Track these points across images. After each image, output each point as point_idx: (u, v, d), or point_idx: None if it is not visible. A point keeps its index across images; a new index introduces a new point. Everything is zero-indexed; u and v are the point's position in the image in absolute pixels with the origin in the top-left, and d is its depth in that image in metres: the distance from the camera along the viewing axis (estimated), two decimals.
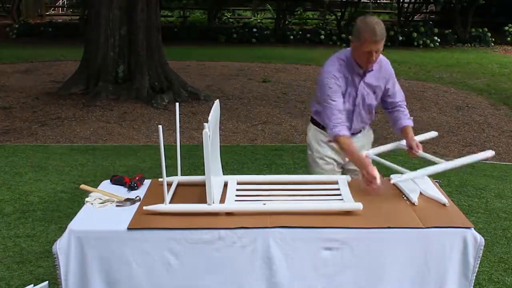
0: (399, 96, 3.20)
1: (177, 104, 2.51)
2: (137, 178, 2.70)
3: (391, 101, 3.18)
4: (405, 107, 3.20)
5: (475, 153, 6.68)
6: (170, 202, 2.42)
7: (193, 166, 5.19)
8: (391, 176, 2.76)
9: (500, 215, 4.28)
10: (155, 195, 2.57)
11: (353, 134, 3.08)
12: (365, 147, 3.22)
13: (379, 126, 7.42)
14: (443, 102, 9.00)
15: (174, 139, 7.52)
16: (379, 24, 2.73)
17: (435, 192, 2.61)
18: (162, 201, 2.43)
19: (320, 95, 2.88)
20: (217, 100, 2.61)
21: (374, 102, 3.12)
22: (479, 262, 2.28)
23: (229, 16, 19.76)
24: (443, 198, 2.52)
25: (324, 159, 3.15)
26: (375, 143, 3.42)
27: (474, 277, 2.31)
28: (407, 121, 3.14)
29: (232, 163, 5.31)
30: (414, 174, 2.65)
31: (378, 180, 2.54)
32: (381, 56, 2.99)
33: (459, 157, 5.93)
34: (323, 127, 3.09)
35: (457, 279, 2.31)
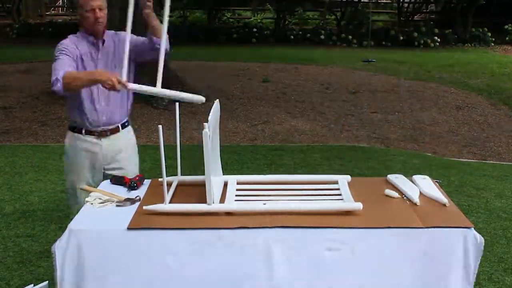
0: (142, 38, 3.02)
1: (177, 104, 2.50)
2: (137, 178, 2.70)
3: (146, 45, 2.99)
4: None
5: (475, 153, 6.71)
6: (170, 202, 2.42)
7: (193, 166, 5.18)
8: (388, 176, 2.77)
9: (500, 215, 4.29)
10: (155, 195, 2.56)
11: (109, 132, 2.98)
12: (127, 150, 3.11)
13: (379, 126, 7.42)
14: (443, 102, 9.01)
15: (174, 139, 7.51)
16: None
17: (435, 192, 2.61)
18: (162, 201, 2.43)
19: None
20: (217, 100, 2.61)
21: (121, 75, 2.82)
22: (479, 262, 2.28)
23: (229, 16, 19.76)
24: (443, 198, 2.52)
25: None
26: None
27: (475, 277, 2.31)
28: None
29: (232, 163, 5.31)
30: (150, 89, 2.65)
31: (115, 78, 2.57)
32: (112, 32, 2.97)
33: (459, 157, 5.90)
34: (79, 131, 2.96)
35: (457, 279, 2.30)
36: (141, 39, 2.99)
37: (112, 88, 2.59)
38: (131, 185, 2.63)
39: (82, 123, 2.93)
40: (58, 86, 2.65)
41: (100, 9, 2.84)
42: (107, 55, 2.90)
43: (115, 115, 3.02)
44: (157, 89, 2.63)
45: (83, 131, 2.95)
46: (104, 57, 2.90)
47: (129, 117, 3.13)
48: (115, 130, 3.05)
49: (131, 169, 3.12)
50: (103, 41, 2.92)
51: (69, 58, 2.77)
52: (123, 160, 3.07)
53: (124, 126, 3.10)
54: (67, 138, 3.03)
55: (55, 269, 2.20)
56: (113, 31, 3.00)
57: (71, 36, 2.93)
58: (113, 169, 3.03)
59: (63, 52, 2.79)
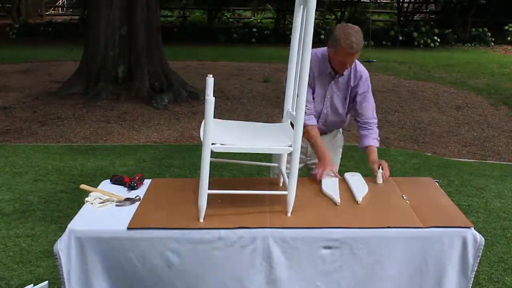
0: (369, 113, 3.13)
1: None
2: (137, 177, 2.70)
3: (360, 117, 3.11)
4: (375, 127, 3.14)
5: (475, 153, 6.71)
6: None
7: (193, 166, 5.19)
8: (345, 174, 2.85)
9: (500, 215, 4.29)
10: (155, 194, 2.57)
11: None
12: (329, 151, 3.12)
13: (379, 126, 7.42)
14: (443, 102, 9.01)
15: (174, 139, 7.55)
16: (358, 36, 2.72)
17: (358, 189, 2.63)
18: (162, 200, 2.43)
19: None
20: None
21: (341, 108, 3.07)
22: (478, 261, 2.28)
23: (229, 16, 19.77)
24: (359, 198, 2.53)
25: None
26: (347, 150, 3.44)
27: (473, 276, 2.31)
28: (372, 140, 3.08)
29: (232, 163, 5.30)
30: None
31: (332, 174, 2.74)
32: (361, 68, 2.99)
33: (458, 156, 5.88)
34: None
35: (456, 278, 2.31)
36: (364, 108, 3.14)
37: (320, 175, 2.76)
38: (131, 184, 2.63)
39: None
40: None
41: (350, 64, 2.85)
42: (338, 86, 2.99)
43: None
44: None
45: None
46: (336, 87, 2.99)
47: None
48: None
49: None
50: (340, 77, 2.97)
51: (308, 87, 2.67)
52: None
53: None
54: None
55: (59, 269, 2.20)
56: (354, 65, 2.99)
57: (320, 54, 2.91)
58: (314, 164, 3.14)
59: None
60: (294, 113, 2.36)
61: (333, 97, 3.01)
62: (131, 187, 2.63)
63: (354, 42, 2.69)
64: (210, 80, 2.17)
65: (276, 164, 2.88)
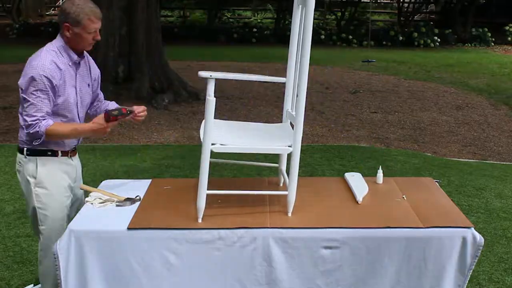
0: (101, 95, 2.92)
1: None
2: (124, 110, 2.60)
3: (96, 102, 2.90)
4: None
5: (475, 153, 6.71)
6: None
7: (193, 166, 5.19)
8: (345, 174, 2.83)
9: (500, 215, 4.28)
10: (155, 195, 2.57)
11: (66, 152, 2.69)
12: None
13: (379, 126, 7.43)
14: (443, 102, 9.01)
15: (174, 139, 7.55)
16: (91, 2, 2.53)
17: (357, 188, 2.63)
18: (162, 201, 2.43)
19: (26, 87, 2.44)
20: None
21: (88, 98, 2.76)
22: (476, 260, 2.28)
23: (229, 16, 19.77)
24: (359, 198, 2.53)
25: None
26: None
27: (470, 273, 2.30)
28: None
29: (232, 163, 5.31)
30: None
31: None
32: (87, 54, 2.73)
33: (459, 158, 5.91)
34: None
35: (452, 274, 2.31)
36: (99, 93, 2.92)
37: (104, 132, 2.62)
38: (127, 113, 2.60)
39: (58, 146, 2.66)
40: (39, 133, 2.44)
41: (99, 30, 2.59)
42: (82, 72, 2.67)
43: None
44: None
45: (59, 153, 2.66)
46: (80, 73, 2.66)
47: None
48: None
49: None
50: (82, 58, 2.67)
51: (48, 100, 2.46)
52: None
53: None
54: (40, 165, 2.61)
55: (57, 269, 2.20)
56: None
57: (51, 55, 2.49)
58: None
59: (44, 91, 2.43)
60: (293, 113, 2.36)
61: (82, 89, 2.68)
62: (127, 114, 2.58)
63: (94, 7, 2.51)
64: (211, 81, 2.18)
65: (276, 165, 2.88)
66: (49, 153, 2.61)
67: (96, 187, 2.68)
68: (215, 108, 2.21)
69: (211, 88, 2.20)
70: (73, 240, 2.21)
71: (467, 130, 7.39)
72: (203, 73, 2.22)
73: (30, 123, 2.43)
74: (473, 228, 2.28)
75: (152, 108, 7.91)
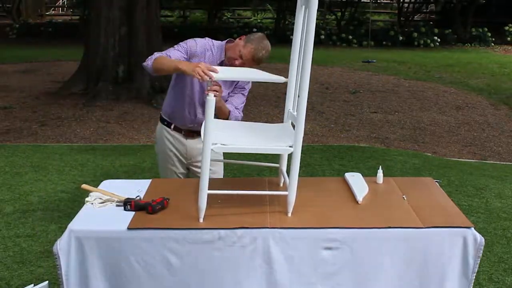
0: (235, 103, 3.10)
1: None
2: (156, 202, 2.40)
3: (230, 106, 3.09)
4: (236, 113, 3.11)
5: (475, 153, 6.71)
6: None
7: None
8: (345, 174, 2.83)
9: (500, 215, 4.28)
10: (155, 195, 2.56)
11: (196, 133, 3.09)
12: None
13: (379, 126, 7.43)
14: (443, 102, 9.01)
15: None
16: (267, 53, 2.95)
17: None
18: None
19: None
20: None
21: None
22: (479, 261, 2.28)
23: (229, 16, 19.77)
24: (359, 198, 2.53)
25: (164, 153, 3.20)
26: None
27: (474, 277, 2.31)
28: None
29: (232, 163, 5.31)
30: None
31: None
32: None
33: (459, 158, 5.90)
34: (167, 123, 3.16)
35: (456, 278, 2.31)
36: (234, 106, 3.12)
37: (201, 78, 2.54)
38: (154, 210, 2.37)
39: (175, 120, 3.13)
40: (148, 64, 2.84)
41: (244, 64, 2.91)
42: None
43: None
44: (240, 73, 2.71)
45: (172, 126, 3.14)
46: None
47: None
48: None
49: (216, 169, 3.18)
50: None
51: (181, 54, 2.92)
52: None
53: None
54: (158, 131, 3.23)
55: (58, 269, 2.20)
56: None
57: (209, 42, 3.10)
58: (197, 166, 3.14)
59: (182, 48, 2.97)
60: (295, 113, 2.36)
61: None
62: (154, 211, 2.36)
63: (262, 56, 2.93)
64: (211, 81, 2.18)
65: (276, 165, 2.88)
66: (165, 123, 3.16)
67: (96, 187, 2.68)
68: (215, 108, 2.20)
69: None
70: (73, 240, 2.21)
71: (467, 130, 7.39)
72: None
73: (150, 56, 2.88)
74: (473, 228, 2.28)
75: (152, 108, 7.91)
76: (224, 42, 3.06)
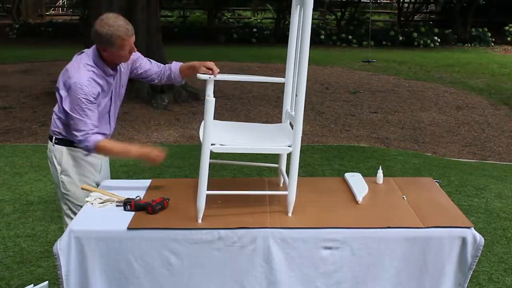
0: (155, 63, 2.97)
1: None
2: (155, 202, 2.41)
3: (151, 71, 2.95)
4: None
5: (475, 153, 6.70)
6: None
7: (193, 166, 5.19)
8: (345, 174, 2.82)
9: (500, 215, 4.28)
10: (155, 195, 2.56)
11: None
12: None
13: (379, 126, 7.43)
14: (443, 102, 9.01)
15: (174, 139, 7.53)
16: (122, 19, 2.62)
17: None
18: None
19: (71, 106, 2.53)
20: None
21: (123, 91, 2.87)
22: (477, 260, 2.28)
23: (229, 16, 19.77)
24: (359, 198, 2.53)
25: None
26: None
27: (471, 273, 2.30)
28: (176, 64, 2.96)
29: (232, 163, 5.31)
30: None
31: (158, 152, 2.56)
32: None
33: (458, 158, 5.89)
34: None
35: (453, 274, 2.31)
36: (152, 62, 2.99)
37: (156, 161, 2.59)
38: (154, 210, 2.38)
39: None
40: (90, 147, 2.53)
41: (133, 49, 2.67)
42: (117, 77, 2.75)
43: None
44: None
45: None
46: (116, 82, 2.75)
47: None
48: None
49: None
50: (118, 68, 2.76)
51: (95, 112, 2.57)
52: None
53: None
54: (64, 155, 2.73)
55: (58, 269, 2.20)
56: None
57: (89, 75, 2.56)
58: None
59: (90, 105, 2.53)
60: (293, 113, 2.36)
61: (118, 91, 2.78)
62: (154, 212, 2.37)
63: (125, 25, 2.59)
64: (211, 82, 2.18)
65: (276, 165, 2.88)
66: (75, 143, 2.66)
67: (96, 187, 2.68)
68: (215, 108, 2.20)
69: (210, 88, 2.21)
70: (73, 240, 2.21)
71: (467, 130, 7.39)
72: (201, 75, 2.24)
73: (80, 138, 2.53)
74: (473, 228, 2.28)
75: (152, 108, 7.91)
76: (96, 56, 2.64)
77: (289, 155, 2.35)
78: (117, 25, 2.57)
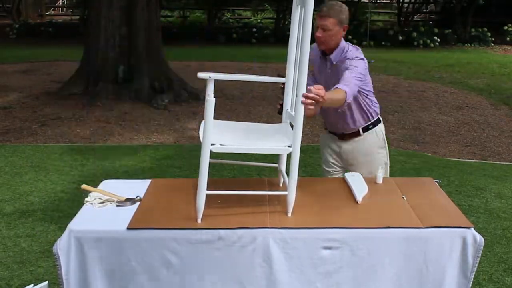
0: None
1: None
2: None
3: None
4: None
5: (475, 153, 6.69)
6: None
7: (193, 166, 5.19)
8: (345, 174, 2.85)
9: (500, 215, 4.29)
10: (155, 195, 2.57)
11: (333, 133, 3.25)
12: (358, 159, 3.19)
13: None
14: (443, 102, 9.01)
15: (174, 139, 7.53)
16: (331, 3, 2.89)
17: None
18: (162, 201, 2.44)
19: None
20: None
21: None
22: (478, 261, 2.28)
23: (229, 16, 19.77)
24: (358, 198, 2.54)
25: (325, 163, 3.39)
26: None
27: (473, 276, 2.31)
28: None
29: (232, 163, 5.31)
30: None
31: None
32: (352, 48, 3.02)
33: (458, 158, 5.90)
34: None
35: (455, 278, 2.31)
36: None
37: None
38: None
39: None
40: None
41: (324, 30, 2.90)
42: (333, 71, 3.00)
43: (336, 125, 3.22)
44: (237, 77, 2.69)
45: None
46: (331, 72, 3.02)
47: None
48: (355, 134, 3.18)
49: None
50: (330, 58, 3.01)
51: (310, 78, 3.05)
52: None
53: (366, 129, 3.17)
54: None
55: (58, 269, 2.20)
56: (348, 51, 3.01)
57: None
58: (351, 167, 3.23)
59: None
60: (293, 113, 2.36)
61: (329, 80, 2.96)
62: None
63: (325, 5, 2.85)
64: (211, 81, 2.18)
65: (276, 165, 2.88)
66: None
67: (96, 187, 2.68)
68: (215, 108, 2.20)
69: (210, 88, 2.20)
70: (73, 240, 2.21)
71: (467, 130, 7.39)
72: (202, 74, 2.23)
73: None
74: (473, 228, 2.28)
75: (152, 108, 7.91)
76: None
77: (289, 155, 2.35)
78: (324, 3, 2.90)
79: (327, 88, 2.67)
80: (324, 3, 2.88)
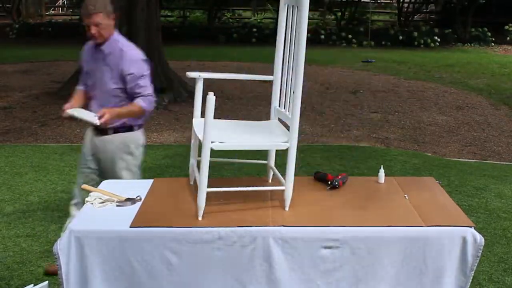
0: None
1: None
2: (339, 176, 2.66)
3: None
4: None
5: (475, 153, 6.70)
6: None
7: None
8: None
9: (500, 215, 4.28)
10: (156, 194, 2.57)
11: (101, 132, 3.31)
12: (117, 153, 3.23)
13: (379, 126, 7.43)
14: (443, 102, 9.01)
15: (174, 139, 7.53)
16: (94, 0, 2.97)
17: None
18: (163, 200, 2.45)
19: None
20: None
21: (112, 86, 3.13)
22: (478, 261, 2.28)
23: (229, 16, 19.77)
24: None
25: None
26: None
27: (472, 275, 2.31)
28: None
29: (232, 163, 5.31)
30: None
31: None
32: (130, 50, 3.12)
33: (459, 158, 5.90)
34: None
35: (454, 276, 2.31)
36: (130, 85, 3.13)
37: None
38: (333, 182, 2.61)
39: None
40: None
41: (96, 25, 3.03)
42: (105, 62, 3.13)
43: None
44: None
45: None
46: (103, 62, 3.14)
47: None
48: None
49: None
50: (103, 49, 3.15)
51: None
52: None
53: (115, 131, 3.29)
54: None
55: (59, 269, 2.20)
56: (120, 44, 3.14)
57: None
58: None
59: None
60: (283, 110, 2.36)
61: (102, 73, 3.13)
62: (332, 186, 2.60)
63: (89, 2, 2.97)
64: (200, 79, 2.18)
65: (265, 161, 2.89)
66: None
67: (96, 187, 2.68)
68: (215, 108, 2.20)
69: (200, 87, 2.23)
70: (73, 240, 2.20)
71: (467, 130, 7.39)
72: (191, 73, 2.27)
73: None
74: (473, 228, 2.28)
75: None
76: None
77: (283, 152, 2.36)
78: (85, 2, 3.03)
79: (102, 78, 3.10)
80: (85, 1, 3.01)
